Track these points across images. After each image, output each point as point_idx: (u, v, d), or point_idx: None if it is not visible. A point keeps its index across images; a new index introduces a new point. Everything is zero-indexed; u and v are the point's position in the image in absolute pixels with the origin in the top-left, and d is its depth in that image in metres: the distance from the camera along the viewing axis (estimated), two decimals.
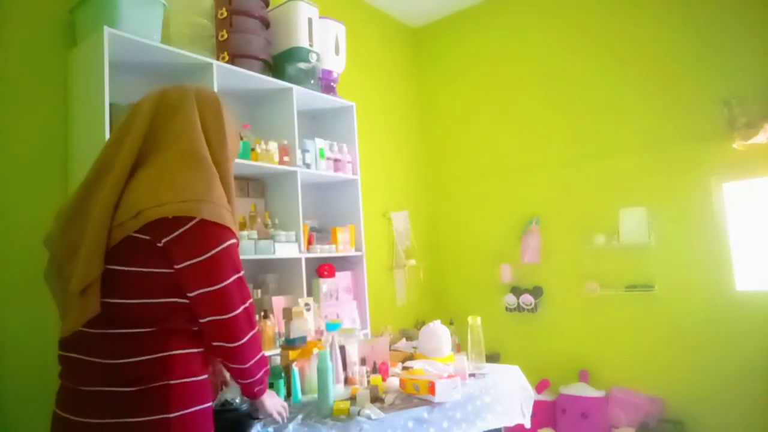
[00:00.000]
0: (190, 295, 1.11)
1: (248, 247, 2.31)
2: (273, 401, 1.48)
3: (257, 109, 2.77)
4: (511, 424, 2.10)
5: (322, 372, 1.82)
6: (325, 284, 2.70)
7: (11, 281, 1.89)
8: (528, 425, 2.20)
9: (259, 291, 2.50)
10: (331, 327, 2.22)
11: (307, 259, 2.57)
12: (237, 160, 2.30)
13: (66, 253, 1.11)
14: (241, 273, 1.18)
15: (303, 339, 2.15)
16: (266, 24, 2.58)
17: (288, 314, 2.23)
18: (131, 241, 1.07)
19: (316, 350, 2.11)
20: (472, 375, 2.12)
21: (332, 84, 2.91)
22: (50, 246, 1.15)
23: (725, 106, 2.90)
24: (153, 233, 1.07)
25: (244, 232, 2.36)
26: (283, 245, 2.41)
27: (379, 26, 4.01)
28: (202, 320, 1.14)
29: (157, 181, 1.10)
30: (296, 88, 2.62)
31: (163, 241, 1.08)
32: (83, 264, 1.04)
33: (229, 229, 1.14)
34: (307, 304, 2.35)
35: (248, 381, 1.28)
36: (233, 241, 1.16)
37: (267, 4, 2.62)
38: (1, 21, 1.96)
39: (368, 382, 2.03)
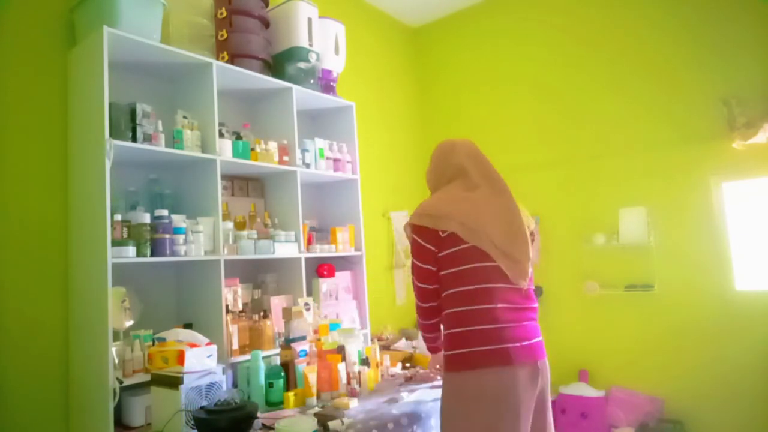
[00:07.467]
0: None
1: (248, 247, 2.31)
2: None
3: (257, 109, 2.77)
4: None
5: None
6: (324, 284, 2.70)
7: (11, 281, 1.89)
8: None
9: (259, 291, 2.50)
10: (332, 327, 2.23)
11: (307, 259, 2.57)
12: (236, 160, 2.32)
13: (502, 237, 1.57)
14: None
15: (303, 339, 2.15)
16: (266, 24, 2.58)
17: (287, 314, 2.23)
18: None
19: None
20: None
21: (332, 84, 2.91)
22: (484, 229, 1.57)
23: (725, 106, 2.90)
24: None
25: (244, 232, 2.36)
26: (283, 245, 2.41)
27: (379, 26, 4.01)
28: None
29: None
30: (296, 88, 2.62)
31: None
32: (527, 250, 1.59)
33: None
34: (306, 304, 2.36)
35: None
36: None
37: (266, 4, 2.62)
38: (1, 21, 1.96)
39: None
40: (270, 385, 1.96)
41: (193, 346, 1.72)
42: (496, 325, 1.52)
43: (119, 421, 1.84)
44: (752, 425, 2.79)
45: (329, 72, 2.89)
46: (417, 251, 1.67)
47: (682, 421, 2.97)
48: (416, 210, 1.67)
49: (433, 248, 1.63)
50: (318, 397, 1.97)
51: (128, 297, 1.91)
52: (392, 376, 2.32)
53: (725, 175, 2.99)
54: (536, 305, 1.66)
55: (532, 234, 1.71)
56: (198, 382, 1.66)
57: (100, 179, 1.83)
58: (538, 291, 3.56)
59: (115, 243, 1.83)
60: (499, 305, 1.54)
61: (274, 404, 1.95)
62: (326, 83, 2.88)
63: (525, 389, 1.50)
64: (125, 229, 1.90)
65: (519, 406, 1.48)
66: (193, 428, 1.57)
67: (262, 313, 2.32)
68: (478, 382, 1.49)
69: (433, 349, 1.91)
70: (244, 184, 2.67)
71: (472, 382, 1.50)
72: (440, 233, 1.60)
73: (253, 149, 2.43)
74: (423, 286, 1.67)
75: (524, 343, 1.54)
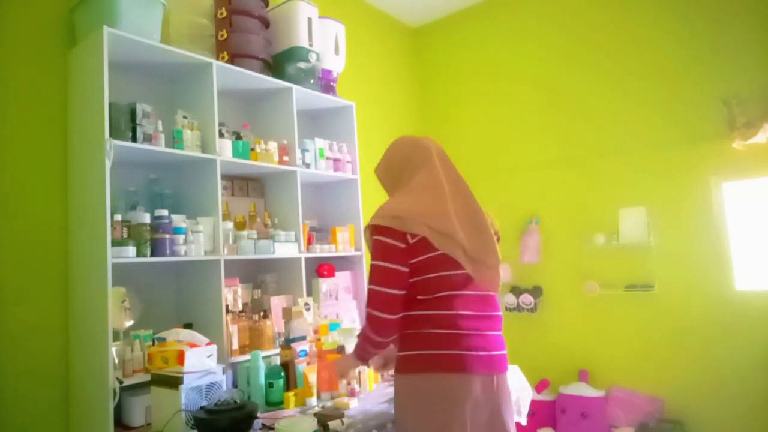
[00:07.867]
0: None
1: (248, 247, 2.32)
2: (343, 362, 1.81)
3: (257, 109, 2.77)
4: None
5: None
6: (324, 284, 2.71)
7: (11, 280, 1.88)
8: (524, 423, 2.21)
9: (259, 291, 2.50)
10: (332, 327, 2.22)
11: (307, 259, 2.57)
12: (236, 160, 2.32)
13: (471, 241, 1.53)
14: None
15: (303, 339, 2.15)
16: (266, 24, 2.58)
17: (287, 314, 2.23)
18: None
19: None
20: None
21: (332, 84, 2.91)
22: (455, 234, 1.51)
23: (725, 106, 2.90)
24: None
25: (244, 232, 2.36)
26: (283, 245, 2.41)
27: (379, 26, 4.01)
28: None
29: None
30: (296, 88, 2.62)
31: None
32: (496, 253, 1.58)
33: None
34: (306, 304, 2.36)
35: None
36: None
37: (266, 4, 2.62)
38: (1, 21, 1.96)
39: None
40: (270, 385, 1.96)
41: (193, 346, 1.72)
42: (454, 331, 1.48)
43: (119, 421, 1.84)
44: (752, 425, 2.79)
45: (329, 72, 2.89)
46: (384, 251, 1.51)
47: (682, 421, 2.98)
48: (378, 212, 1.55)
49: (404, 247, 1.50)
50: (318, 397, 1.98)
51: (128, 297, 1.91)
52: (392, 376, 2.31)
53: (725, 175, 2.99)
54: (500, 313, 1.60)
55: (496, 234, 1.69)
56: (198, 382, 1.66)
57: (100, 179, 1.83)
58: (538, 291, 3.57)
59: (115, 243, 1.83)
60: (460, 312, 1.50)
61: (274, 404, 1.95)
62: (326, 83, 2.88)
63: (477, 401, 1.45)
64: (125, 229, 1.90)
65: (466, 416, 1.43)
66: (193, 428, 1.57)
67: (262, 313, 2.32)
68: (430, 386, 1.45)
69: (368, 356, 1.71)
70: (244, 184, 2.67)
71: (425, 385, 1.46)
72: (409, 237, 1.50)
73: (253, 149, 2.43)
74: (391, 291, 1.49)
75: (482, 353, 1.48)
